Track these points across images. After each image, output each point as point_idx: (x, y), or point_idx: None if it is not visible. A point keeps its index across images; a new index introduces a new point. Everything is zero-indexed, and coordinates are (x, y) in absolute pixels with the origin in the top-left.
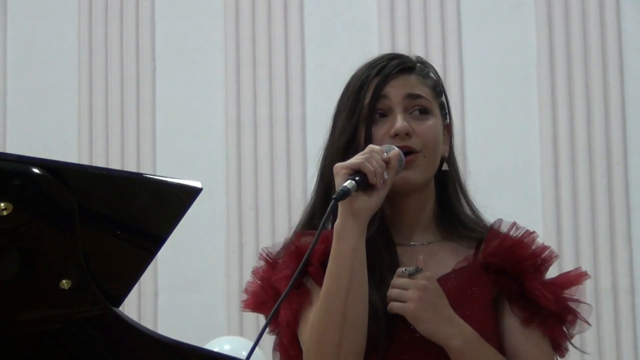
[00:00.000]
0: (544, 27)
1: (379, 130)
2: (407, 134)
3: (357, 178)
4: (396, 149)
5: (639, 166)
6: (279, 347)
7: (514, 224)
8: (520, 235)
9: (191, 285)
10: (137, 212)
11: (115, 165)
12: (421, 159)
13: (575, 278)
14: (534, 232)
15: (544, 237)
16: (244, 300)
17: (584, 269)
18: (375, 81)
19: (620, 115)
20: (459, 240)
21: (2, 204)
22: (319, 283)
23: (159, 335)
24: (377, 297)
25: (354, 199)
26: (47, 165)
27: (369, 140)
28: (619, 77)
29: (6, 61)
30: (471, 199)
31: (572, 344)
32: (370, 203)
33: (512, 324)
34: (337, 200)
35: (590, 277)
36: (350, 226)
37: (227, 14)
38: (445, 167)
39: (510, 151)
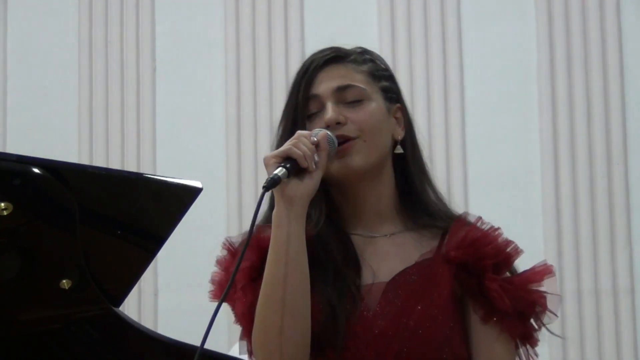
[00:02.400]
0: (544, 27)
1: (315, 127)
2: (339, 123)
3: (287, 165)
4: (324, 130)
5: (639, 166)
6: (244, 336)
7: (480, 218)
8: (484, 230)
9: (191, 285)
10: (137, 212)
11: (115, 165)
12: (360, 144)
13: (539, 275)
14: (498, 228)
15: (544, 238)
16: (211, 291)
17: (584, 269)
18: (304, 83)
19: (620, 115)
20: (423, 229)
21: (2, 204)
22: None
23: (159, 335)
24: (334, 292)
25: (285, 185)
26: (47, 165)
27: None
28: (619, 77)
29: (6, 61)
30: (435, 184)
31: (549, 330)
32: (303, 188)
33: (473, 321)
34: (266, 189)
35: (554, 274)
36: (284, 213)
37: (227, 14)
38: (399, 149)
39: (510, 152)
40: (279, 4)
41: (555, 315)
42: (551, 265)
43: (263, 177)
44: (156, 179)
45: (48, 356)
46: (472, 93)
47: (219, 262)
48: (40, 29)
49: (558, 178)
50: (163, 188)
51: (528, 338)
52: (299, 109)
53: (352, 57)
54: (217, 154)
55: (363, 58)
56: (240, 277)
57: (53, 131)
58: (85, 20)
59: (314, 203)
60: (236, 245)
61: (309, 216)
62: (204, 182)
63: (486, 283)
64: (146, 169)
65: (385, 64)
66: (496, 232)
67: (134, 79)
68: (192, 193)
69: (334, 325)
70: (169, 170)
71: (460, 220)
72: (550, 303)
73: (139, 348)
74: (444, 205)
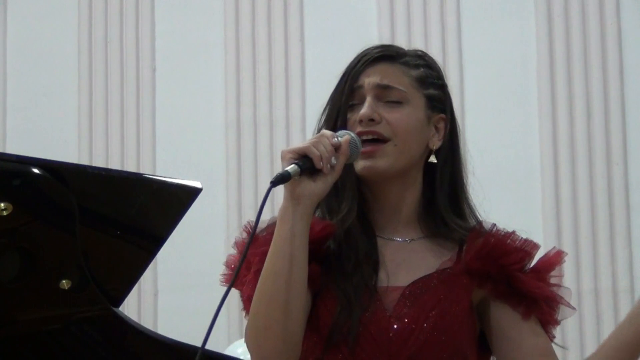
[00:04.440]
0: (544, 27)
1: (352, 117)
2: (372, 120)
3: (301, 163)
4: (350, 134)
5: (639, 166)
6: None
7: (494, 225)
8: (499, 237)
9: (191, 285)
10: (137, 212)
11: (115, 165)
12: (390, 148)
13: (555, 259)
14: (513, 232)
15: (544, 238)
16: (224, 274)
17: (584, 269)
18: (352, 73)
19: (620, 115)
20: (442, 239)
21: (2, 204)
22: None
23: (159, 335)
24: (350, 287)
25: (297, 183)
26: (47, 165)
27: (343, 127)
28: (619, 77)
29: (6, 61)
30: (468, 198)
31: (556, 342)
32: (314, 188)
33: (511, 322)
34: (274, 184)
35: (567, 254)
36: (290, 210)
37: (227, 14)
38: (432, 159)
39: (510, 151)
40: (279, 4)
41: (574, 308)
42: (562, 251)
43: (263, 177)
44: (156, 179)
45: (48, 356)
46: (472, 92)
47: (237, 245)
48: (40, 29)
49: (558, 178)
50: (163, 188)
51: (548, 331)
52: (343, 98)
53: (405, 59)
54: (217, 154)
55: (417, 62)
56: (256, 261)
57: (53, 131)
58: (85, 20)
59: (343, 199)
60: (257, 230)
61: (334, 211)
62: (204, 182)
63: (518, 284)
64: (146, 169)
65: (439, 72)
66: (511, 238)
67: (134, 79)
68: (191, 193)
69: (349, 318)
70: (169, 170)
71: (476, 230)
72: (565, 296)
73: (139, 348)
74: (475, 216)
